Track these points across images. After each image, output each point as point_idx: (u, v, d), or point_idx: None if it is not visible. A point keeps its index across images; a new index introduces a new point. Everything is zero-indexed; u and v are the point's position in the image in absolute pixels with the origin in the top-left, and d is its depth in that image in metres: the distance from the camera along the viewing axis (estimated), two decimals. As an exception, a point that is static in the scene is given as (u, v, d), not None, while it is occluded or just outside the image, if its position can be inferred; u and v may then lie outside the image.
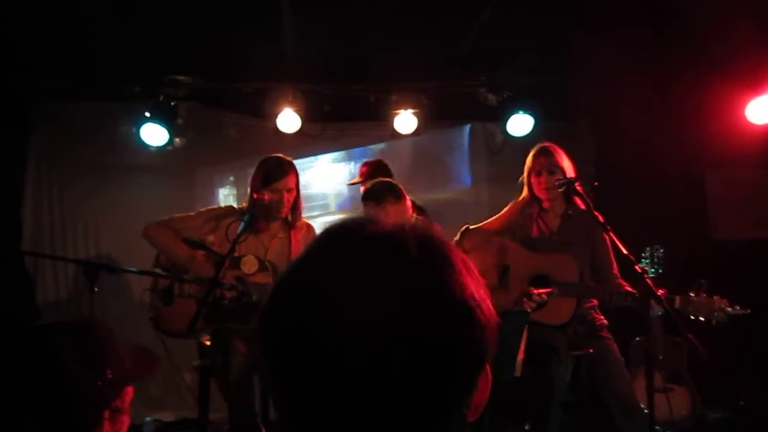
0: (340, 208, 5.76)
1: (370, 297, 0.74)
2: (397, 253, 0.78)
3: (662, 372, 4.21)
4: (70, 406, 1.22)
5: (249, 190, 3.67)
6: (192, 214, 3.68)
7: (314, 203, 5.73)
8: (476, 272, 0.82)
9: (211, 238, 3.63)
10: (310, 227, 3.84)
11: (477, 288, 0.80)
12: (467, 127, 5.77)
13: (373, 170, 4.59)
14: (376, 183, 3.57)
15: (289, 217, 3.69)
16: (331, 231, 0.83)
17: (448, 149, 5.76)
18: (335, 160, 5.86)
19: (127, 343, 1.46)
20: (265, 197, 3.46)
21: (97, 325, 1.34)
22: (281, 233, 3.70)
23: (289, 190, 3.58)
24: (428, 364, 0.74)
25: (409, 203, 3.51)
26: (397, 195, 3.41)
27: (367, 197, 3.47)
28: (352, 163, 5.76)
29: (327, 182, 5.82)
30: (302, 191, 5.04)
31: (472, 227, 3.69)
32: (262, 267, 3.54)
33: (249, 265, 3.49)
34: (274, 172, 3.55)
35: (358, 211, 5.57)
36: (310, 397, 0.76)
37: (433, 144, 5.66)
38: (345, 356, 0.73)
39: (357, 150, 5.78)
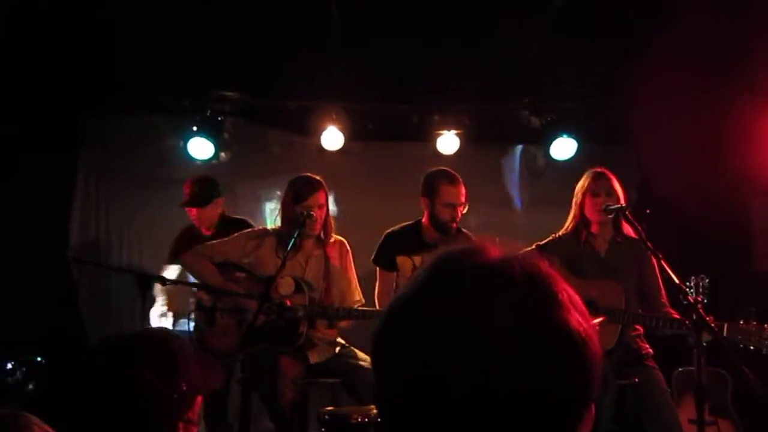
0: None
1: (481, 329, 0.76)
2: (507, 287, 0.79)
3: (706, 404, 4.13)
4: (147, 419, 1.25)
5: (280, 210, 3.72)
6: (226, 239, 3.73)
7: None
8: (581, 306, 0.82)
9: (246, 260, 3.69)
10: (342, 243, 3.89)
11: (583, 323, 0.80)
12: (518, 149, 5.76)
13: (197, 190, 4.48)
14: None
15: (321, 235, 3.75)
16: (439, 262, 0.85)
17: (499, 171, 5.74)
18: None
19: (193, 353, 1.49)
20: (313, 213, 3.52)
21: (172, 339, 1.38)
22: (316, 251, 3.75)
23: (320, 207, 3.66)
24: (536, 399, 0.75)
25: None
26: None
27: None
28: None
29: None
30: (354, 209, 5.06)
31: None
32: (298, 288, 3.58)
33: (285, 286, 3.54)
34: (305, 190, 3.63)
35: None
36: (421, 425, 0.77)
37: (483, 165, 5.65)
38: (454, 386, 0.75)
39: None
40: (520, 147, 5.78)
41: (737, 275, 4.99)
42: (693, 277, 3.94)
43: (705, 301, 3.82)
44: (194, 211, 4.45)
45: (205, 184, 4.49)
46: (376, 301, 4.10)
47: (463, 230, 4.04)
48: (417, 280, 0.84)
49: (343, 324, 3.73)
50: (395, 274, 4.03)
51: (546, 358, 0.76)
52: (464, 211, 3.90)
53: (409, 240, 4.00)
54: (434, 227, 3.92)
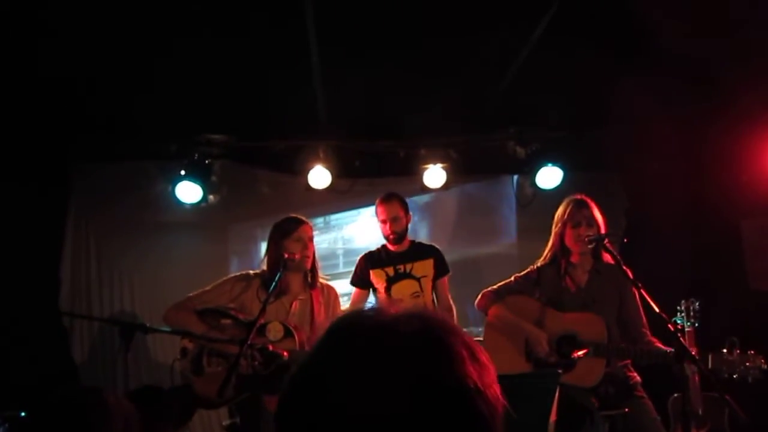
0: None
1: (373, 393, 0.76)
2: (396, 347, 0.79)
3: (704, 429, 4.08)
4: None
5: (267, 253, 3.73)
6: (208, 288, 3.72)
7: (356, 258, 5.73)
8: (482, 357, 0.83)
9: (232, 305, 3.68)
10: (330, 288, 3.90)
11: (480, 374, 0.80)
12: (515, 178, 5.75)
13: None
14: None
15: (309, 278, 3.74)
16: (335, 324, 0.86)
17: (486, 202, 5.75)
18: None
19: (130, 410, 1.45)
20: (296, 256, 3.52)
21: (95, 420, 1.34)
22: (302, 295, 3.74)
23: (310, 239, 3.69)
24: None
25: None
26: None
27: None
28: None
29: (370, 236, 5.80)
30: (345, 245, 5.16)
31: (493, 289, 3.72)
32: (288, 333, 3.55)
33: (274, 332, 3.52)
34: (291, 225, 3.70)
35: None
36: None
37: (470, 196, 5.67)
38: None
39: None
40: (514, 177, 5.78)
41: (731, 296, 4.95)
42: (683, 301, 3.92)
43: (697, 324, 3.82)
44: None
45: None
46: None
47: (418, 241, 4.56)
48: (318, 344, 0.85)
49: None
50: (368, 292, 4.48)
51: (437, 417, 0.76)
52: (405, 224, 4.37)
53: (379, 255, 4.45)
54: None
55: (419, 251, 4.47)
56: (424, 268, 4.41)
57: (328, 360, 0.81)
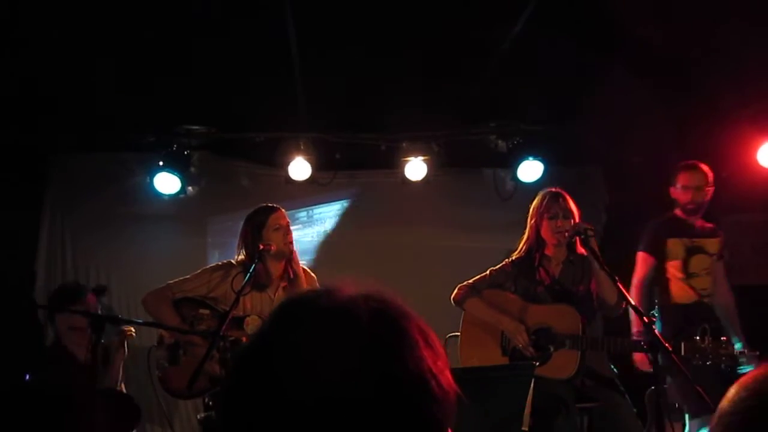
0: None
1: (325, 378, 0.73)
2: (351, 330, 0.76)
3: (680, 423, 4.11)
4: None
5: (243, 246, 3.68)
6: (189, 276, 3.68)
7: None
8: (435, 341, 0.81)
9: (212, 295, 3.64)
10: (306, 272, 3.83)
11: (434, 360, 0.78)
12: (490, 172, 5.74)
13: None
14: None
15: (290, 264, 3.70)
16: (281, 307, 0.82)
17: (467, 195, 5.75)
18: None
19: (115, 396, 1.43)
20: (272, 248, 3.49)
21: (58, 413, 1.31)
22: (283, 282, 3.71)
23: (288, 225, 3.64)
24: None
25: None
26: None
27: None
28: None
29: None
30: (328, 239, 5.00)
31: (469, 283, 3.70)
32: None
33: (253, 325, 3.49)
34: (265, 214, 3.63)
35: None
36: None
37: (451, 190, 5.66)
38: None
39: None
40: (491, 171, 5.78)
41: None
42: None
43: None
44: None
45: None
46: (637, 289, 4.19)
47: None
48: (261, 328, 0.82)
49: None
50: (657, 261, 4.29)
51: (392, 401, 0.74)
52: (706, 197, 4.30)
53: (674, 224, 4.33)
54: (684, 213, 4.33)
55: (709, 228, 4.41)
56: (714, 246, 4.35)
57: (275, 349, 0.78)
